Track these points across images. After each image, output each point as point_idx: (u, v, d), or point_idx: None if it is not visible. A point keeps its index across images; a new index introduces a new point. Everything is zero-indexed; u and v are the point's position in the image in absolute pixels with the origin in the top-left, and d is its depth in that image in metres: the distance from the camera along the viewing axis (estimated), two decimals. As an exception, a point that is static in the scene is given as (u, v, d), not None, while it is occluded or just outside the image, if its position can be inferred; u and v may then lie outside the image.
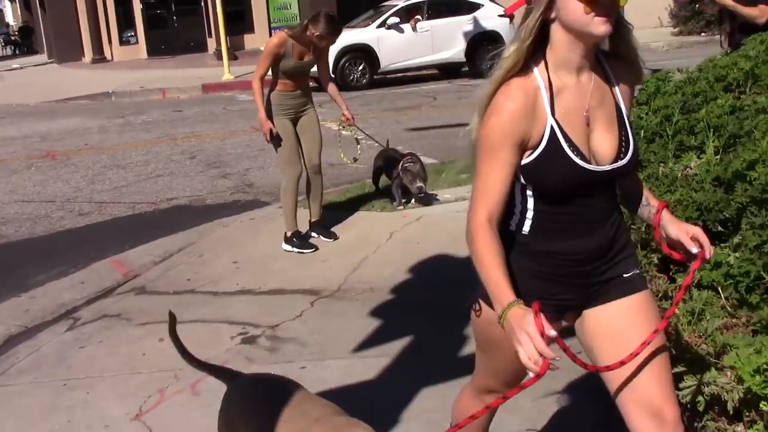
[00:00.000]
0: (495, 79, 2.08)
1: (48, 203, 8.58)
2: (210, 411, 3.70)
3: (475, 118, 2.14)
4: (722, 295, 3.22)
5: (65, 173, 10.12)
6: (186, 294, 5.47)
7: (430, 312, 4.70)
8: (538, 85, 2.08)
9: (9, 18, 56.50)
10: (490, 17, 17.73)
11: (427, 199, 6.95)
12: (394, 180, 6.92)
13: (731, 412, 2.44)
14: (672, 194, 3.43)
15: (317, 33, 5.75)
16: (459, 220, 6.02)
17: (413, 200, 6.98)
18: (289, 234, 6.11)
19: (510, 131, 2.04)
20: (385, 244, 6.00)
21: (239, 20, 25.39)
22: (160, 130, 13.39)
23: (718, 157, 3.68)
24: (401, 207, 6.92)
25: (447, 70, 18.23)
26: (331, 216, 6.65)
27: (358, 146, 6.91)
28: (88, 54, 27.33)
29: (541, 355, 1.78)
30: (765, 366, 2.30)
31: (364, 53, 17.03)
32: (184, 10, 27.18)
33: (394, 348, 4.22)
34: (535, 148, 2.08)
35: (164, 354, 4.41)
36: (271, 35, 23.96)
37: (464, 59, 17.76)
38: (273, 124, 5.90)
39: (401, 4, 17.86)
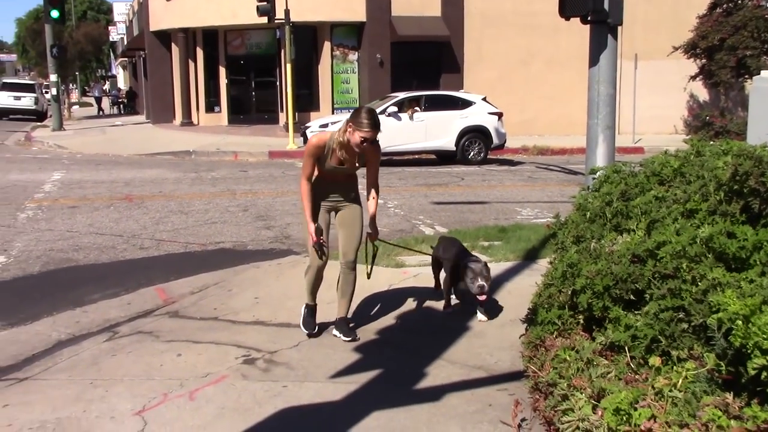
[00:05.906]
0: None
1: (117, 237, 8.95)
2: (199, 413, 3.92)
3: None
4: (628, 354, 3.35)
5: (137, 214, 10.54)
6: (210, 320, 5.70)
7: (403, 352, 4.87)
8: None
9: (121, 83, 59.23)
10: (479, 113, 18.13)
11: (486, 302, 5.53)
12: (451, 277, 5.66)
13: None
14: (595, 265, 3.58)
15: (359, 131, 4.73)
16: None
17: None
18: (304, 304, 5.38)
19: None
20: (382, 294, 6.17)
21: (308, 99, 25.97)
22: (225, 185, 13.81)
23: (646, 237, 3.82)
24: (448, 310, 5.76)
25: (441, 156, 18.47)
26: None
27: (371, 264, 5.48)
28: (178, 117, 28.21)
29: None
30: (623, 406, 2.43)
31: None
32: (262, 87, 27.91)
33: (363, 377, 4.39)
34: None
35: (177, 367, 4.67)
36: (333, 113, 24.68)
37: (454, 148, 17.99)
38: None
39: (402, 96, 18.32)
